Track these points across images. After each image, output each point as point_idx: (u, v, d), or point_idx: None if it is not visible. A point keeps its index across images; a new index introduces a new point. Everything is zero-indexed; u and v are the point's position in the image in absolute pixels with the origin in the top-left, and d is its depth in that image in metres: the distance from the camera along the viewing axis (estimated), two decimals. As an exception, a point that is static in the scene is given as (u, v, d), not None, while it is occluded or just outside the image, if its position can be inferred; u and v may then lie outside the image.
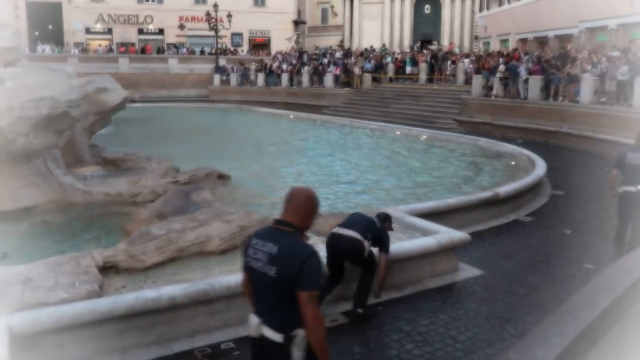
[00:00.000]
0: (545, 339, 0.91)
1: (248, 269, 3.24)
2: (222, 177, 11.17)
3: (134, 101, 29.67)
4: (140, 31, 49.95)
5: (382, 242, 5.86)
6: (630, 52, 20.51)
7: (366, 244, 5.66)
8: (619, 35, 26.85)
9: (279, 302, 3.09)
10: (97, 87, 12.45)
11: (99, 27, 48.53)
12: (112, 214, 8.78)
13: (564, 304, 1.01)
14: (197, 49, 46.46)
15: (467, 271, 7.10)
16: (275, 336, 3.09)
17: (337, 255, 5.74)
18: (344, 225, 5.84)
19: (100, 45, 46.07)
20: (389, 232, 6.13)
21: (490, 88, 24.68)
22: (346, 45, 51.98)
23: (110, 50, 44.89)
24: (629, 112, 17.43)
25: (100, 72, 22.74)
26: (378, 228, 5.90)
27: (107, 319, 4.79)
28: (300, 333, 3.07)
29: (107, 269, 5.75)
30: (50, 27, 46.84)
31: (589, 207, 10.74)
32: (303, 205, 3.22)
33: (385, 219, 6.20)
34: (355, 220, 5.90)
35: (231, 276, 5.52)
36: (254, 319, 3.20)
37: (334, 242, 5.72)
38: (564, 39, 32.11)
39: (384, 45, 48.39)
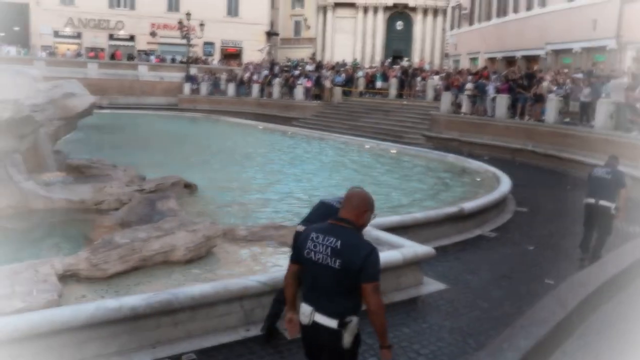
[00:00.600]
0: (498, 353, 0.92)
1: (306, 260, 3.49)
2: (188, 186, 11.07)
3: (101, 107, 29.24)
4: (111, 37, 49.37)
5: None
6: (592, 75, 21.09)
7: None
8: (583, 58, 27.62)
9: (338, 291, 3.38)
10: (64, 91, 12.23)
11: (68, 30, 47.80)
12: (74, 222, 8.60)
13: (517, 320, 1.03)
14: (168, 57, 46.11)
15: (432, 285, 7.16)
16: (330, 322, 3.36)
17: None
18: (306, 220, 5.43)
19: (68, 49, 45.36)
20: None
21: (459, 105, 25.06)
22: (318, 58, 52.25)
23: (79, 54, 44.21)
24: (591, 132, 17.89)
25: (68, 76, 22.38)
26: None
27: (67, 329, 4.68)
28: (354, 319, 3.41)
29: (67, 277, 5.63)
30: (16, 28, 45.90)
31: (551, 224, 10.96)
32: (357, 206, 3.54)
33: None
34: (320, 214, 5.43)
35: (195, 286, 5.47)
36: (306, 307, 3.46)
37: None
38: (531, 59, 32.85)
39: (355, 59, 48.79)
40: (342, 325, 3.37)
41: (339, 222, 3.49)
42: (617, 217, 8.25)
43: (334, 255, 3.36)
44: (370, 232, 7.74)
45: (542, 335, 0.89)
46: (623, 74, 20.31)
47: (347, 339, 3.39)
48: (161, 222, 6.99)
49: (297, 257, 3.59)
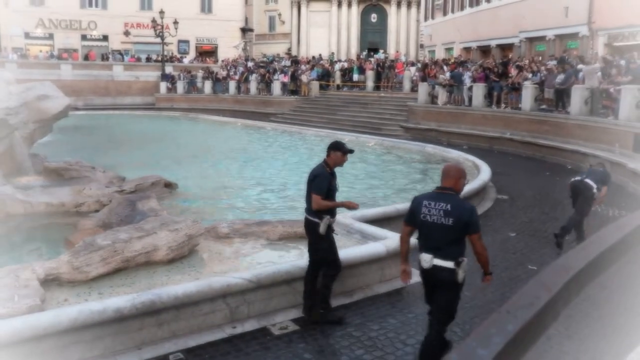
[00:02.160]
0: (486, 338, 0.93)
1: (422, 222, 4.58)
2: (169, 185, 11.00)
3: (77, 109, 28.90)
4: (84, 37, 48.66)
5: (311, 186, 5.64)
6: (565, 62, 21.33)
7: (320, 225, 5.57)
8: (556, 45, 27.92)
9: (452, 241, 4.48)
10: (38, 94, 12.05)
11: (39, 32, 47.01)
12: (54, 225, 8.50)
13: (504, 305, 1.04)
14: (143, 56, 45.62)
15: (416, 276, 7.18)
16: (448, 263, 4.47)
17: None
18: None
19: (40, 51, 44.61)
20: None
21: (436, 96, 25.19)
22: (294, 53, 52.11)
23: (52, 56, 43.52)
24: (567, 118, 18.12)
25: (41, 78, 22.04)
26: (310, 180, 5.69)
27: (49, 333, 4.62)
28: (464, 259, 4.52)
29: (49, 282, 5.55)
30: (-15, 30, 45.08)
31: (532, 211, 11.09)
32: (454, 176, 4.68)
33: (328, 148, 5.81)
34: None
35: (179, 285, 5.44)
36: (426, 255, 4.55)
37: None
38: (505, 47, 33.11)
39: (332, 53, 48.77)
40: (458, 264, 4.47)
41: (444, 191, 4.61)
42: (595, 202, 8.64)
43: (446, 215, 4.46)
44: (353, 224, 7.78)
45: (528, 319, 0.91)
46: (595, 59, 20.58)
47: (461, 274, 4.50)
48: (142, 223, 6.92)
49: (412, 220, 4.70)
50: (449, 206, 4.47)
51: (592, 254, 1.27)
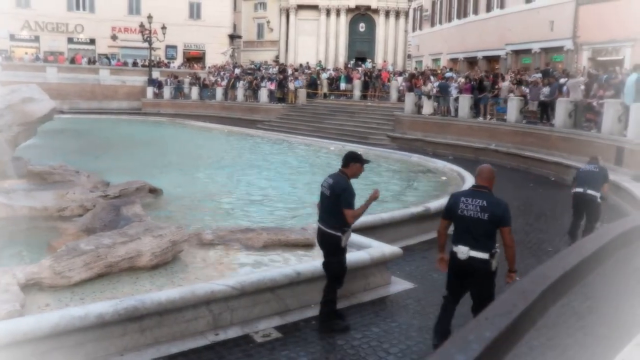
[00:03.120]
0: (464, 344, 0.95)
1: (459, 217, 5.08)
2: (153, 191, 10.94)
3: (62, 112, 28.72)
4: (70, 40, 48.38)
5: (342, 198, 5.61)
6: (549, 75, 21.62)
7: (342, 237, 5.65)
8: (541, 58, 28.27)
9: (486, 235, 4.98)
10: (23, 96, 11.94)
11: (24, 34, 46.68)
12: (37, 229, 8.40)
13: (482, 312, 1.06)
14: (130, 61, 45.44)
15: (400, 284, 7.23)
16: (483, 255, 4.97)
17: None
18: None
19: (26, 53, 44.26)
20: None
21: (422, 106, 25.35)
22: (281, 60, 52.23)
23: (38, 58, 43.20)
24: (552, 130, 18.32)
25: (26, 81, 21.88)
26: (337, 195, 5.63)
27: (30, 339, 4.57)
28: (498, 250, 5.03)
29: (30, 286, 5.49)
30: (-31, 32, 44.66)
31: (515, 221, 11.03)
32: (488, 177, 5.27)
33: (347, 159, 5.82)
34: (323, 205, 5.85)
35: (162, 292, 5.41)
36: (463, 248, 5.02)
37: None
38: (492, 59, 33.47)
39: (320, 61, 48.94)
40: (492, 255, 4.98)
41: (479, 189, 5.21)
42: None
43: (482, 211, 4.98)
44: (338, 233, 7.78)
45: (505, 326, 0.93)
46: (580, 73, 20.86)
47: (494, 264, 5.01)
48: (126, 228, 6.88)
49: (450, 215, 5.24)
50: (484, 202, 5.01)
51: (570, 263, 1.30)
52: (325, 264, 5.85)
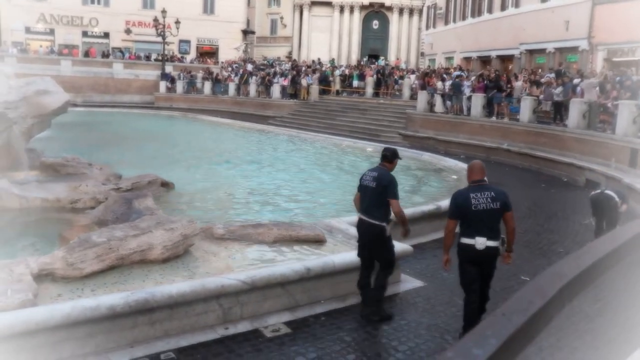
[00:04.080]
0: (482, 339, 0.95)
1: (473, 212, 5.37)
2: (165, 184, 11.00)
3: (75, 105, 28.89)
4: (85, 34, 48.70)
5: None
6: (563, 75, 21.45)
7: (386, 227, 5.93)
8: (556, 58, 28.07)
9: (497, 222, 5.46)
10: (37, 89, 12.06)
11: (40, 27, 47.03)
12: (49, 221, 8.48)
13: (500, 308, 1.06)
14: (143, 55, 45.64)
15: (409, 282, 7.22)
16: (496, 243, 5.44)
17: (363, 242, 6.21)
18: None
19: (41, 46, 44.59)
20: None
21: (435, 104, 25.26)
22: (294, 56, 52.23)
23: (52, 51, 43.49)
24: (565, 131, 18.20)
25: (40, 73, 22.05)
26: (384, 186, 5.96)
27: (42, 329, 4.62)
28: (502, 237, 5.53)
29: (42, 277, 5.55)
30: (-15, 24, 45.02)
31: (526, 222, 11.11)
32: (481, 170, 5.68)
33: (385, 157, 6.20)
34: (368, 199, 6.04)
35: (173, 285, 5.45)
36: (480, 239, 5.38)
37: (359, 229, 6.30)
38: (505, 59, 33.28)
39: (332, 59, 48.89)
40: (502, 242, 5.52)
41: (481, 182, 5.56)
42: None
43: (494, 201, 5.39)
44: (349, 229, 7.79)
45: (522, 322, 0.93)
46: (594, 74, 20.69)
47: (501, 249, 5.51)
48: (138, 221, 6.93)
49: (461, 213, 5.47)
50: (492, 193, 5.43)
51: (585, 263, 1.30)
52: (370, 254, 6.07)
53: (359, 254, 6.19)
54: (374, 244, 5.99)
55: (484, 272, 5.62)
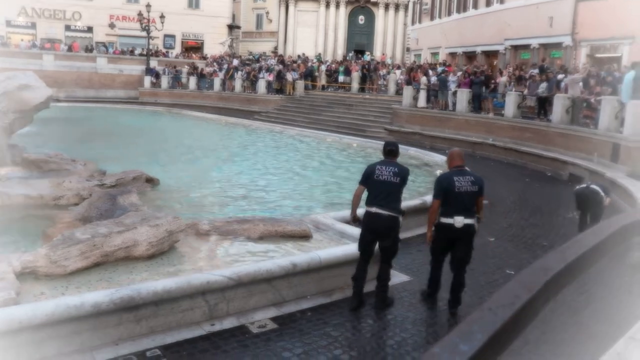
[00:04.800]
0: (469, 334, 0.95)
1: (455, 194, 6.00)
2: (150, 180, 10.91)
3: (58, 100, 28.59)
4: (68, 27, 48.12)
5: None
6: (546, 70, 21.62)
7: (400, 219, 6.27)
8: (540, 54, 28.25)
9: (474, 204, 6.13)
10: (19, 83, 11.88)
11: (21, 20, 46.37)
12: (32, 218, 8.38)
13: (486, 302, 1.06)
14: (127, 49, 45.22)
15: (395, 277, 7.23)
16: (473, 221, 6.10)
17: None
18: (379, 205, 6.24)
19: (22, 40, 43.98)
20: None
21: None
22: (280, 51, 52.07)
23: (34, 45, 42.93)
24: (549, 126, 18.34)
25: (22, 68, 21.75)
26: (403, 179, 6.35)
27: (25, 327, 4.56)
28: (477, 216, 6.22)
29: (25, 275, 5.48)
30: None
31: (511, 216, 11.20)
32: (460, 155, 6.37)
33: (392, 152, 6.50)
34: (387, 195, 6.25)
35: (158, 281, 5.41)
36: (459, 218, 6.01)
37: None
38: (490, 54, 33.43)
39: (319, 54, 48.80)
40: (477, 220, 6.21)
41: (461, 167, 6.21)
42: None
43: (473, 184, 6.09)
44: (334, 224, 7.80)
45: (509, 317, 0.93)
46: (578, 70, 20.85)
47: (476, 227, 6.20)
48: (123, 217, 6.87)
49: (445, 194, 6.04)
50: (472, 177, 6.14)
51: (570, 256, 1.30)
52: (388, 247, 6.22)
53: (363, 248, 6.28)
54: (390, 237, 6.17)
55: (460, 250, 6.16)
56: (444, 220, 6.09)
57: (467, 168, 6.26)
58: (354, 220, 6.55)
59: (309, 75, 34.45)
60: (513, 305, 1.07)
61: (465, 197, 6.03)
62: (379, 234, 6.18)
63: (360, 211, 6.40)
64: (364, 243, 6.27)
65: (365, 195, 6.34)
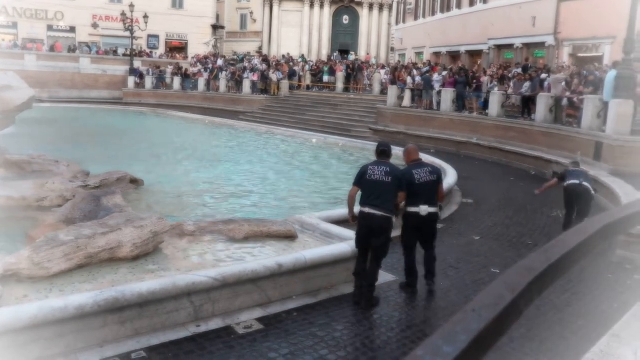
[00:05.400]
0: (452, 336, 0.95)
1: (417, 185, 6.49)
2: (134, 181, 10.85)
3: (41, 101, 28.28)
4: (50, 27, 47.55)
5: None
6: (529, 69, 21.80)
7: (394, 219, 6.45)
8: (523, 54, 28.48)
9: (435, 193, 6.67)
10: (0, 84, 11.76)
11: (2, 20, 45.76)
12: (15, 219, 8.28)
13: (469, 304, 1.07)
14: (111, 50, 44.85)
15: (381, 277, 7.23)
16: (436, 209, 6.68)
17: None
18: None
19: (3, 39, 43.41)
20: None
21: (404, 99, 25.43)
22: (264, 51, 51.98)
23: (16, 46, 42.40)
24: (533, 125, 18.49)
25: (3, 68, 21.50)
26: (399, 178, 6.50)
27: (8, 330, 4.50)
28: (440, 205, 6.88)
29: (7, 277, 5.42)
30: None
31: (496, 215, 11.28)
32: (416, 150, 7.04)
33: (384, 153, 6.66)
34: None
35: (143, 283, 5.37)
36: (424, 207, 6.53)
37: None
38: (474, 54, 33.64)
39: (302, 55, 48.78)
40: (440, 208, 6.87)
41: (420, 161, 6.89)
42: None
43: (430, 175, 6.66)
44: (320, 224, 7.80)
45: (492, 318, 0.93)
46: (561, 69, 21.05)
47: (440, 214, 6.90)
48: (107, 219, 6.82)
49: (408, 187, 6.41)
50: (430, 168, 6.74)
51: (554, 256, 1.31)
52: (374, 245, 6.27)
53: (360, 244, 6.39)
54: (382, 236, 6.23)
55: (426, 234, 6.78)
56: (411, 209, 6.57)
57: (422, 160, 6.90)
58: (353, 220, 6.67)
59: (293, 75, 34.40)
60: (497, 305, 1.08)
61: (426, 187, 6.53)
62: (372, 231, 6.26)
63: (356, 210, 6.50)
64: (360, 239, 6.37)
65: (359, 196, 6.43)
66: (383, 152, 6.59)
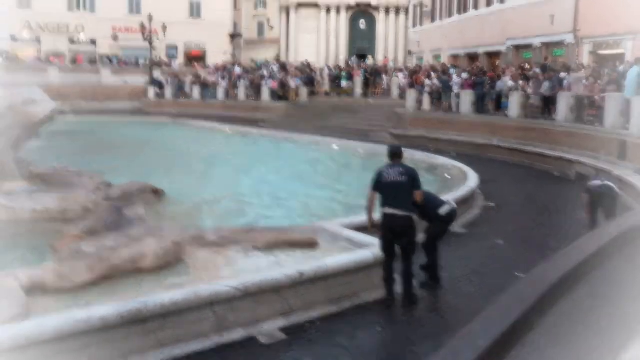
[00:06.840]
0: (456, 355, 0.93)
1: (384, 183, 6.47)
2: (156, 192, 10.92)
3: (64, 113, 28.65)
4: (71, 41, 48.36)
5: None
6: (548, 69, 21.54)
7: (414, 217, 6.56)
8: (542, 53, 28.16)
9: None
10: (24, 98, 11.90)
11: (25, 35, 46.64)
12: (39, 232, 8.39)
13: (476, 318, 1.04)
14: (133, 61, 45.40)
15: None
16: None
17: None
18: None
19: (27, 54, 44.20)
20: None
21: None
22: (282, 58, 52.16)
23: (39, 59, 43.12)
24: (554, 125, 18.26)
25: (27, 82, 21.85)
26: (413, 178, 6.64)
27: (33, 343, 4.54)
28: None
29: (33, 290, 5.49)
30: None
31: (519, 218, 11.14)
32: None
33: (396, 154, 6.81)
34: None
35: (165, 294, 5.39)
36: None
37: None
38: (493, 55, 33.35)
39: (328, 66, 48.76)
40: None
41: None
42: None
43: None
44: (342, 232, 7.76)
45: (500, 333, 0.91)
46: (581, 67, 20.78)
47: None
48: (129, 230, 6.88)
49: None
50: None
51: (570, 264, 1.28)
52: (402, 246, 6.45)
53: (385, 248, 6.49)
54: (408, 235, 6.42)
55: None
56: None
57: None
58: (372, 226, 6.81)
59: (308, 81, 34.35)
60: (505, 320, 1.05)
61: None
62: (396, 234, 6.40)
63: (377, 215, 6.67)
64: (385, 243, 6.48)
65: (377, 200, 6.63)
66: (395, 154, 6.77)
